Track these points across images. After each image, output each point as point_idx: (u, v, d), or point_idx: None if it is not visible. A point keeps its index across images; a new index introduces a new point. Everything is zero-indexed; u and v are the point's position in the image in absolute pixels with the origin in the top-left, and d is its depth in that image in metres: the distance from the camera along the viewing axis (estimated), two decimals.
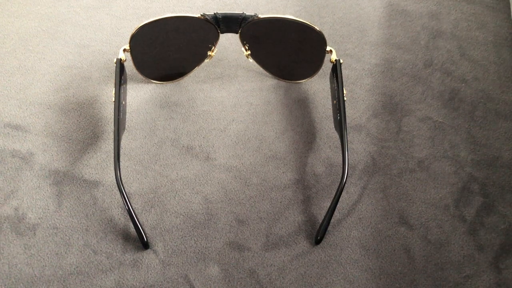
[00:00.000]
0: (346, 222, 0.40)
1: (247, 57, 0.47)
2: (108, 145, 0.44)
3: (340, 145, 0.43)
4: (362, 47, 0.53)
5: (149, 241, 0.38)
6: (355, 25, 0.55)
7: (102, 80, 0.48)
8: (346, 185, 0.42)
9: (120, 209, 0.40)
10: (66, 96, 0.47)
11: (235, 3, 0.56)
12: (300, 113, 0.47)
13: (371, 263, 0.38)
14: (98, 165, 0.42)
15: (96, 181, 0.42)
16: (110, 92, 0.47)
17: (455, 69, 0.52)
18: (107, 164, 0.43)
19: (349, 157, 0.43)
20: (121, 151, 0.43)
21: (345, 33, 0.54)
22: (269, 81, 0.49)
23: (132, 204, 0.39)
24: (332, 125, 0.46)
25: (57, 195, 0.41)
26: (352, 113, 0.47)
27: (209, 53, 0.46)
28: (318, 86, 0.49)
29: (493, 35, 0.56)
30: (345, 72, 0.51)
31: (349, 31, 0.55)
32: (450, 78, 0.51)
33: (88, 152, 0.43)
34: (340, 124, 0.42)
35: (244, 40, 0.45)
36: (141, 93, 0.47)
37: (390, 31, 0.55)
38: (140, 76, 0.47)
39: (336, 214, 0.41)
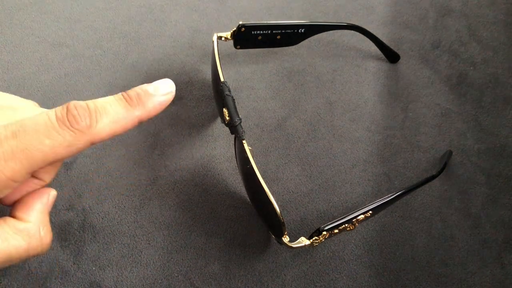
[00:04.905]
0: None
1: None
2: None
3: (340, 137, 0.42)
4: (368, 26, 0.50)
5: (147, 237, 0.37)
6: (362, 1, 0.53)
7: (95, 59, 0.46)
8: (350, 177, 0.41)
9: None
10: (58, 77, 0.44)
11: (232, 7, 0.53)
12: None
13: (375, 260, 0.38)
14: (93, 154, 0.41)
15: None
16: (103, 72, 0.45)
17: (464, 50, 0.50)
18: (102, 153, 0.41)
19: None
20: (113, 141, 0.41)
21: (351, 10, 0.52)
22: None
23: (129, 196, 0.38)
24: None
25: None
26: (356, 99, 0.45)
27: None
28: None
29: (504, 13, 0.54)
30: (350, 53, 0.48)
31: (356, 7, 0.52)
32: (458, 61, 0.49)
33: None
34: None
35: None
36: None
37: (397, 8, 0.53)
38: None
39: (340, 208, 0.40)
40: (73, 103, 0.24)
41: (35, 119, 0.23)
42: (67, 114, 0.23)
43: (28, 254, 0.24)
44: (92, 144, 0.24)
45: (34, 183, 0.27)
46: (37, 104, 0.29)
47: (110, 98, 0.25)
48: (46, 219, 0.26)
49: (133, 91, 0.26)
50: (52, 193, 0.27)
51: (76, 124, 0.23)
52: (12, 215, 0.25)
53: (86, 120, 0.23)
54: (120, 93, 0.26)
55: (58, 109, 0.23)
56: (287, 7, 0.52)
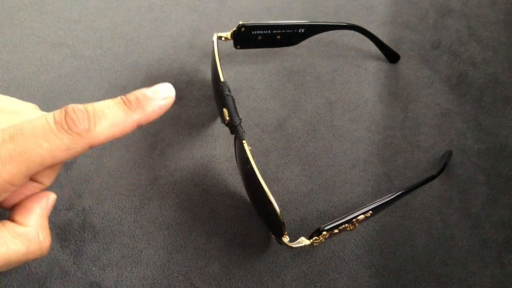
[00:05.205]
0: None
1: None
2: None
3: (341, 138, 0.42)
4: (368, 26, 0.50)
5: (147, 237, 0.37)
6: (362, 1, 0.53)
7: (95, 59, 0.46)
8: (350, 177, 0.41)
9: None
10: (58, 77, 0.44)
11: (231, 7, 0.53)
12: None
13: (375, 260, 0.38)
14: (93, 154, 0.41)
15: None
16: (103, 72, 0.45)
17: (464, 50, 0.50)
18: (102, 153, 0.41)
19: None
20: (113, 141, 0.41)
21: (351, 10, 0.52)
22: None
23: (129, 196, 0.38)
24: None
25: None
26: (356, 99, 0.45)
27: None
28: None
29: (504, 13, 0.54)
30: (350, 53, 0.48)
31: (356, 7, 0.52)
32: (458, 61, 0.49)
33: None
34: None
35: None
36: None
37: (397, 8, 0.53)
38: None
39: (340, 208, 0.40)
40: (71, 106, 0.23)
41: (33, 122, 0.23)
42: (65, 117, 0.23)
43: (27, 258, 0.24)
44: (91, 147, 0.24)
45: (34, 187, 0.26)
46: (37, 107, 0.29)
47: (109, 102, 0.25)
48: (45, 223, 0.26)
49: (132, 95, 0.25)
50: (52, 196, 0.27)
51: (74, 128, 0.23)
52: (11, 219, 0.25)
53: (85, 123, 0.23)
54: (119, 97, 0.25)
55: (57, 112, 0.23)
56: (287, 7, 0.52)
